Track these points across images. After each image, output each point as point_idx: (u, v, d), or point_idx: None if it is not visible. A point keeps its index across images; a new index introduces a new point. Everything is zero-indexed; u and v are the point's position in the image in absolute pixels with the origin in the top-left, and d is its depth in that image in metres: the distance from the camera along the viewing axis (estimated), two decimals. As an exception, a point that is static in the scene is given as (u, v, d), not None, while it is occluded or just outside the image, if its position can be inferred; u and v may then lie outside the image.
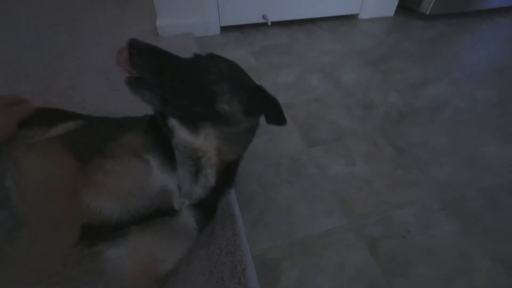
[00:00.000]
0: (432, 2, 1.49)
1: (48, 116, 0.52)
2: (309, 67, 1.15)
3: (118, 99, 0.90)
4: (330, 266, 0.55)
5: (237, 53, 1.22)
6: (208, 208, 0.52)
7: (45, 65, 1.06)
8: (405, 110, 0.94)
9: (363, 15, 1.59)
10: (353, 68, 1.15)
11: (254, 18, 1.39)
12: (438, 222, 0.63)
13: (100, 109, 0.86)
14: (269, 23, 1.35)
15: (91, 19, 1.41)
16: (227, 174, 0.52)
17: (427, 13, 1.55)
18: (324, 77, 1.09)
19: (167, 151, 0.46)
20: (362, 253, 0.57)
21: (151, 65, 0.41)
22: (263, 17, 1.37)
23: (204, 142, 0.46)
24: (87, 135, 0.45)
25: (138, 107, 0.85)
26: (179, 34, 1.29)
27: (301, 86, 1.04)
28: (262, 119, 0.54)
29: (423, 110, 0.94)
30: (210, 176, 0.49)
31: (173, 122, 0.47)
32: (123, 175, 0.39)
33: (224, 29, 1.38)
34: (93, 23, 1.37)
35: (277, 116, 0.51)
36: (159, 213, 0.43)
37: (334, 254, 0.56)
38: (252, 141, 0.56)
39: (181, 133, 0.46)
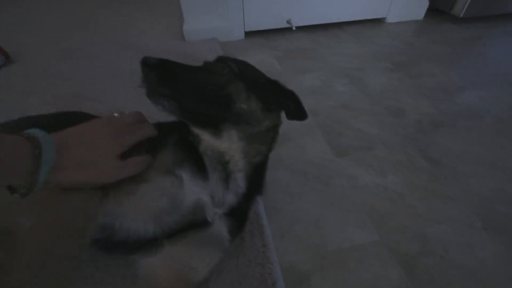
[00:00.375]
0: (467, 3, 1.42)
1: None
2: (335, 71, 1.12)
3: (148, 103, 0.93)
4: (361, 283, 0.52)
5: (261, 57, 1.21)
6: (239, 217, 0.51)
7: (78, 70, 1.11)
8: (438, 118, 0.89)
9: (391, 19, 1.54)
10: (381, 73, 1.11)
11: (279, 23, 1.38)
12: (479, 242, 0.58)
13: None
14: (294, 28, 1.34)
15: (120, 26, 1.46)
16: (256, 178, 0.51)
17: (461, 15, 1.47)
18: (350, 82, 1.06)
19: (197, 160, 0.46)
20: (396, 271, 0.54)
21: (163, 78, 0.41)
22: (288, 22, 1.36)
23: (229, 144, 0.46)
24: None
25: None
26: (204, 39, 1.31)
27: (327, 92, 1.02)
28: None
29: (458, 119, 0.89)
30: (240, 181, 0.48)
31: (197, 129, 0.47)
32: (158, 196, 0.40)
33: (248, 34, 1.38)
34: (123, 30, 1.42)
35: (297, 110, 0.49)
36: (192, 226, 0.43)
37: (366, 270, 0.54)
38: (276, 140, 0.54)
39: (206, 138, 0.46)
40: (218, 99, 0.44)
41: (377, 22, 1.53)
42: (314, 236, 0.60)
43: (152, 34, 1.37)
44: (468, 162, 0.76)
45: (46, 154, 0.32)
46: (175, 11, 1.53)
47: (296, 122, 0.90)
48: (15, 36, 1.35)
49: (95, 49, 1.25)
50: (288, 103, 0.49)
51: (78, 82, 1.04)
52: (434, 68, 1.14)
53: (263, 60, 1.19)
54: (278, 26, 1.40)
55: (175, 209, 0.41)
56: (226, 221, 0.47)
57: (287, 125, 0.89)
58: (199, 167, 0.45)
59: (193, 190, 0.43)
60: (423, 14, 1.58)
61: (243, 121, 0.46)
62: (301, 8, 1.37)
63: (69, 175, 0.35)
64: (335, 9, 1.42)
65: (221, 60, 0.48)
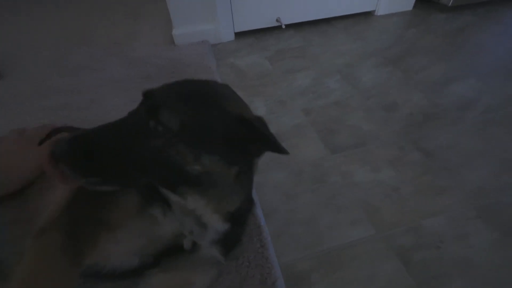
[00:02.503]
0: (455, -8, 1.42)
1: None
2: (326, 69, 1.12)
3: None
4: (360, 278, 0.53)
5: (251, 58, 1.22)
6: (230, 239, 0.47)
7: (66, 80, 1.11)
8: (430, 110, 0.90)
9: (380, 11, 1.54)
10: (372, 68, 1.11)
11: (268, 22, 1.38)
12: (474, 231, 0.59)
13: None
14: (283, 26, 1.34)
15: (105, 31, 1.46)
16: (239, 212, 0.44)
17: (449, 4, 1.47)
18: (342, 79, 1.07)
19: (165, 198, 0.41)
20: (394, 264, 0.55)
21: (85, 161, 0.33)
22: (277, 20, 1.36)
23: (196, 206, 0.39)
24: (82, 205, 0.40)
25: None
26: (195, 42, 1.31)
27: (319, 90, 1.02)
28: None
29: (450, 110, 0.90)
30: (219, 226, 0.42)
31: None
32: (137, 237, 0.41)
33: (238, 34, 1.38)
34: (108, 35, 1.42)
35: (275, 151, 0.37)
36: (176, 250, 0.43)
37: (364, 266, 0.55)
38: (252, 179, 0.44)
39: (169, 196, 0.40)
40: (161, 166, 0.35)
41: (367, 15, 1.53)
42: (311, 234, 0.60)
43: (141, 40, 1.37)
44: (460, 152, 0.76)
45: None
46: (163, 16, 1.52)
47: (289, 122, 0.90)
48: (4, 50, 1.34)
49: (81, 58, 1.24)
50: (260, 153, 0.39)
51: (66, 92, 1.04)
52: (425, 60, 1.14)
53: (254, 61, 1.19)
54: (268, 25, 1.39)
55: (156, 242, 0.42)
56: (215, 246, 0.44)
57: (279, 126, 0.89)
58: (169, 205, 0.41)
59: (168, 223, 0.42)
60: (412, 5, 1.58)
61: (203, 182, 0.37)
62: (289, 5, 1.37)
63: None
64: (324, 4, 1.42)
65: (153, 109, 0.35)
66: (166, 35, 1.35)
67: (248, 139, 0.37)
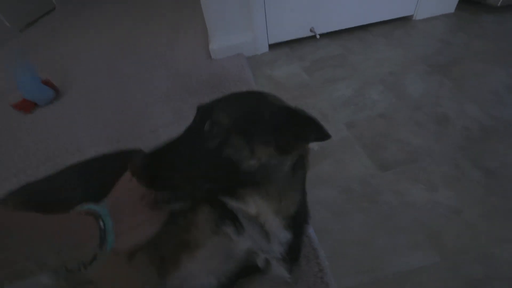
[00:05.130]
0: (505, -8, 1.32)
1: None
2: (368, 78, 1.09)
3: (183, 121, 0.97)
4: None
5: (288, 69, 1.21)
6: (294, 253, 0.49)
7: (117, 92, 1.18)
8: (490, 123, 0.83)
9: (419, 15, 1.47)
10: (418, 77, 1.06)
11: (302, 32, 1.38)
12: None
13: (167, 131, 0.93)
14: (318, 37, 1.32)
15: (149, 44, 1.54)
16: (298, 219, 0.47)
17: (498, 4, 1.37)
18: (385, 89, 1.03)
19: (234, 215, 0.44)
20: (463, 296, 0.51)
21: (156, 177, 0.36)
22: (311, 30, 1.35)
23: (257, 209, 0.41)
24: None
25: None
26: (231, 55, 1.33)
27: (361, 101, 0.99)
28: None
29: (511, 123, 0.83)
30: (281, 234, 0.45)
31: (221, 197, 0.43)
32: (215, 255, 0.43)
33: (272, 46, 1.39)
34: (152, 48, 1.49)
35: (319, 137, 0.39)
36: (251, 270, 0.45)
37: (428, 296, 0.52)
38: (306, 176, 0.46)
39: (232, 204, 0.42)
40: (220, 167, 0.37)
41: (405, 20, 1.47)
42: (366, 258, 0.58)
43: (182, 52, 1.42)
44: (528, 171, 0.70)
45: (108, 226, 0.35)
46: (200, 29, 1.57)
47: (333, 137, 0.88)
48: (61, 70, 1.46)
49: (129, 70, 1.32)
50: (307, 136, 0.40)
51: (119, 104, 1.11)
52: (477, 67, 1.06)
53: (291, 71, 1.19)
54: (302, 36, 1.39)
55: (231, 261, 0.44)
56: (283, 262, 0.47)
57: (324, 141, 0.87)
58: (239, 221, 0.44)
59: (241, 241, 0.44)
60: (454, 7, 1.49)
61: (261, 179, 0.39)
62: (323, 14, 1.35)
63: (124, 240, 0.37)
64: (359, 11, 1.38)
65: (204, 113, 0.40)
66: (205, 47, 1.39)
67: (295, 125, 0.39)
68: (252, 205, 0.41)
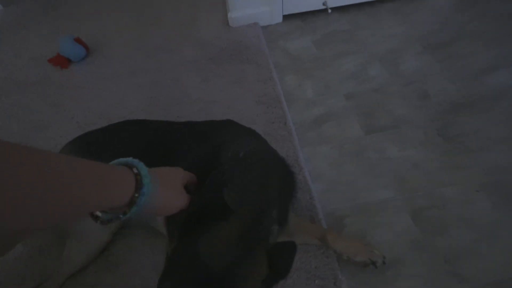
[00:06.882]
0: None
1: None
2: (371, 55, 1.23)
3: (211, 88, 1.16)
4: (382, 226, 0.77)
5: (301, 42, 1.35)
6: None
7: (148, 60, 1.34)
8: (461, 100, 1.02)
9: (429, -9, 1.53)
10: (413, 55, 1.20)
11: (315, 5, 1.47)
12: (477, 200, 0.79)
13: (200, 99, 1.12)
14: (330, 11, 1.42)
15: (173, 15, 1.62)
16: None
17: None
18: (384, 65, 1.19)
19: None
20: (406, 220, 0.77)
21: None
22: (324, 4, 1.44)
23: None
24: None
25: (224, 93, 1.11)
26: (247, 24, 1.45)
27: (362, 76, 1.16)
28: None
29: (483, 99, 1.00)
30: None
31: None
32: None
33: (286, 17, 1.49)
34: (175, 18, 1.58)
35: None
36: None
37: (385, 217, 0.78)
38: None
39: None
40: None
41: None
42: (350, 192, 0.84)
43: (202, 22, 1.52)
44: (481, 138, 0.91)
45: (142, 170, 0.35)
46: (217, 1, 1.63)
47: (332, 105, 1.08)
48: (93, 32, 1.56)
49: (157, 40, 1.44)
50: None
51: (151, 71, 1.28)
52: (469, 47, 1.18)
53: (304, 44, 1.33)
54: (315, 8, 1.48)
55: None
56: None
57: (325, 108, 1.08)
58: None
59: None
60: (465, -16, 1.54)
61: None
62: (337, -14, 1.43)
63: (165, 194, 0.39)
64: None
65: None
66: (223, 17, 1.49)
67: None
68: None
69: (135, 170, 0.35)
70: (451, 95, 1.05)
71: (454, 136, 0.93)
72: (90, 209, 0.33)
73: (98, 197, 0.30)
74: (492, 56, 1.14)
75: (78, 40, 1.34)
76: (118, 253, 0.75)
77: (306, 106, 1.09)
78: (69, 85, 1.28)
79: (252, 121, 1.02)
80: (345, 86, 1.14)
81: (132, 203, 0.34)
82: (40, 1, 1.87)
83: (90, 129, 0.76)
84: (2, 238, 0.49)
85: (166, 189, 0.39)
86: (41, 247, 0.77)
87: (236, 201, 0.44)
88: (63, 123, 1.13)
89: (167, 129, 0.68)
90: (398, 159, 0.90)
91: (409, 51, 1.23)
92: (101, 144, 0.67)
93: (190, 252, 0.38)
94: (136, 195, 0.34)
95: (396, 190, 0.83)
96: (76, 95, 1.23)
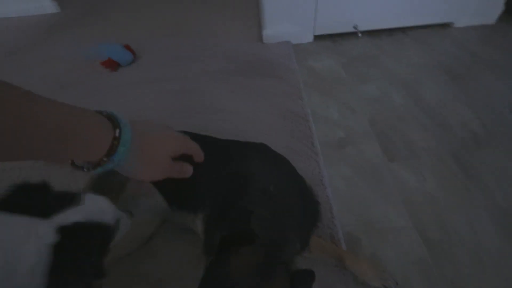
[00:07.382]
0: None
1: None
2: (395, 82, 1.28)
3: (237, 100, 1.23)
4: (394, 250, 0.81)
5: (328, 63, 1.41)
6: None
7: (178, 68, 1.43)
8: (484, 136, 1.05)
9: (459, 23, 1.57)
10: (438, 86, 1.24)
11: (345, 27, 1.53)
12: (484, 230, 0.82)
13: (223, 109, 1.19)
14: (360, 35, 1.48)
15: (202, 25, 1.73)
16: None
17: (537, 23, 1.45)
18: (407, 94, 1.23)
19: None
20: (418, 246, 0.81)
21: None
22: (354, 27, 1.50)
23: None
24: None
25: (250, 106, 1.16)
26: (278, 41, 1.53)
27: (386, 102, 1.21)
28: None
29: (505, 137, 1.03)
30: None
31: None
32: None
33: (316, 37, 1.56)
34: (204, 29, 1.69)
35: None
36: None
37: (398, 243, 0.82)
38: None
39: None
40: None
41: (445, 27, 1.58)
42: (365, 214, 0.88)
43: (230, 35, 1.62)
44: (499, 178, 0.94)
45: (124, 136, 0.33)
46: (248, 12, 1.73)
47: (356, 129, 1.13)
48: (140, 38, 1.69)
49: (185, 48, 1.54)
50: None
51: (180, 79, 1.36)
52: (491, 81, 1.22)
53: (330, 66, 1.39)
54: (345, 30, 1.54)
55: None
56: None
57: (348, 130, 1.14)
58: None
59: None
60: (495, 18, 1.57)
61: None
62: (367, 11, 1.48)
63: (139, 165, 0.36)
64: (400, 12, 1.50)
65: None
66: (257, 32, 1.58)
67: None
68: None
69: (117, 133, 0.33)
70: (474, 128, 1.08)
71: (474, 171, 0.96)
72: (64, 155, 0.32)
73: (72, 148, 0.30)
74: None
75: (127, 47, 1.47)
76: (157, 243, 0.83)
77: (330, 127, 1.15)
78: (113, 86, 1.40)
79: (275, 135, 1.07)
80: (370, 110, 1.19)
81: (98, 164, 0.33)
82: (92, 7, 2.04)
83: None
84: None
85: (142, 164, 0.36)
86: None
87: (261, 228, 0.50)
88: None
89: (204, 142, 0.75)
90: (415, 189, 0.94)
91: (433, 81, 1.27)
92: None
93: (223, 271, 0.44)
94: (105, 159, 0.32)
95: (411, 218, 0.87)
96: (117, 96, 1.35)
